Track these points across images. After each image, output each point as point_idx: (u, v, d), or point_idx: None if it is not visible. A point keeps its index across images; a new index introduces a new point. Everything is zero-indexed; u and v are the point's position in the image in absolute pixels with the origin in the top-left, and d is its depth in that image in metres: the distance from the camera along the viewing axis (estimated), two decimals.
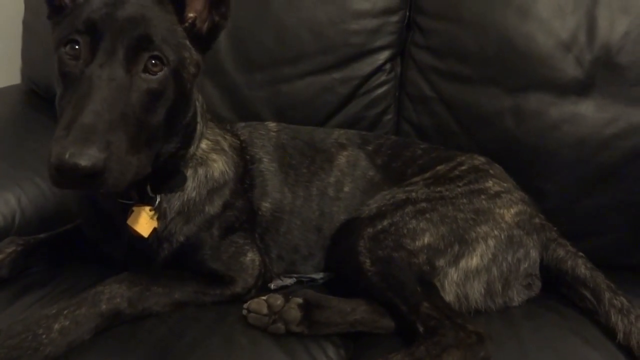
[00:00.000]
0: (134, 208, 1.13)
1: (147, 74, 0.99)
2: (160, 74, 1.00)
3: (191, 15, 1.09)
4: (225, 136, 1.33)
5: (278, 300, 1.12)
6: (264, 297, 1.14)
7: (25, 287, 1.19)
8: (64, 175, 0.87)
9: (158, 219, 1.16)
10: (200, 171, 1.22)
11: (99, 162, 0.86)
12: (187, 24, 1.08)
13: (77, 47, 0.97)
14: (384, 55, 1.62)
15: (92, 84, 0.93)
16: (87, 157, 0.85)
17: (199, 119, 1.20)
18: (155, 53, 0.99)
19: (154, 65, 0.99)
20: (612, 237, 1.48)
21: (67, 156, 0.84)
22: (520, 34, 1.47)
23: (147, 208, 1.14)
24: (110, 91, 0.93)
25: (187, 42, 1.07)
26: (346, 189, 1.42)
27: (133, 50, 0.97)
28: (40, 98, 1.82)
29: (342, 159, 1.45)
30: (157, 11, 1.04)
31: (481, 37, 1.50)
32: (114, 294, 1.06)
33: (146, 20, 1.00)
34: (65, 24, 1.01)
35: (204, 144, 1.24)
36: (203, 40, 1.11)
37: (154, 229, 1.15)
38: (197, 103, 1.19)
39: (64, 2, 1.05)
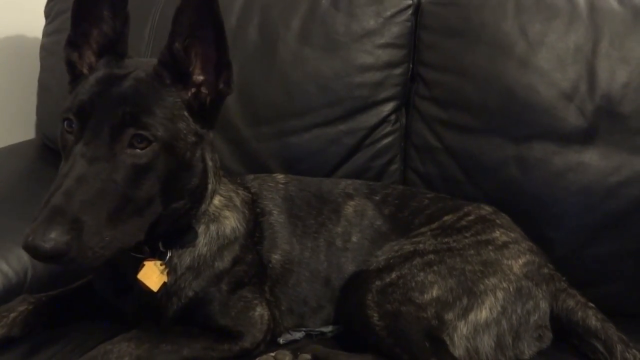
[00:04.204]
0: (145, 262, 1.14)
1: (133, 149, 0.99)
2: (147, 149, 1.00)
3: (194, 88, 1.09)
4: (238, 191, 1.35)
5: (286, 356, 1.12)
6: (272, 354, 1.14)
7: (35, 345, 1.20)
8: (32, 256, 0.89)
9: (168, 273, 1.17)
10: (212, 228, 1.23)
11: (60, 244, 0.88)
12: (189, 96, 1.08)
13: (72, 125, 1.00)
14: (388, 107, 1.64)
15: (74, 163, 0.96)
16: (48, 240, 0.87)
17: (210, 179, 1.20)
18: (140, 132, 0.99)
19: (140, 141, 1.00)
20: (621, 284, 1.47)
21: (29, 239, 0.87)
22: (522, 85, 1.49)
23: (158, 262, 1.15)
24: (89, 169, 0.95)
25: (185, 113, 1.07)
26: (354, 239, 1.42)
27: (118, 128, 0.98)
28: (54, 152, 1.85)
29: (349, 208, 1.45)
30: (153, 85, 1.04)
31: (483, 89, 1.52)
32: (123, 353, 1.07)
33: (137, 95, 1.02)
34: (73, 95, 1.05)
35: (216, 201, 1.25)
36: (207, 111, 1.11)
37: (164, 284, 1.16)
38: (209, 163, 1.18)
39: (82, 70, 1.09)
